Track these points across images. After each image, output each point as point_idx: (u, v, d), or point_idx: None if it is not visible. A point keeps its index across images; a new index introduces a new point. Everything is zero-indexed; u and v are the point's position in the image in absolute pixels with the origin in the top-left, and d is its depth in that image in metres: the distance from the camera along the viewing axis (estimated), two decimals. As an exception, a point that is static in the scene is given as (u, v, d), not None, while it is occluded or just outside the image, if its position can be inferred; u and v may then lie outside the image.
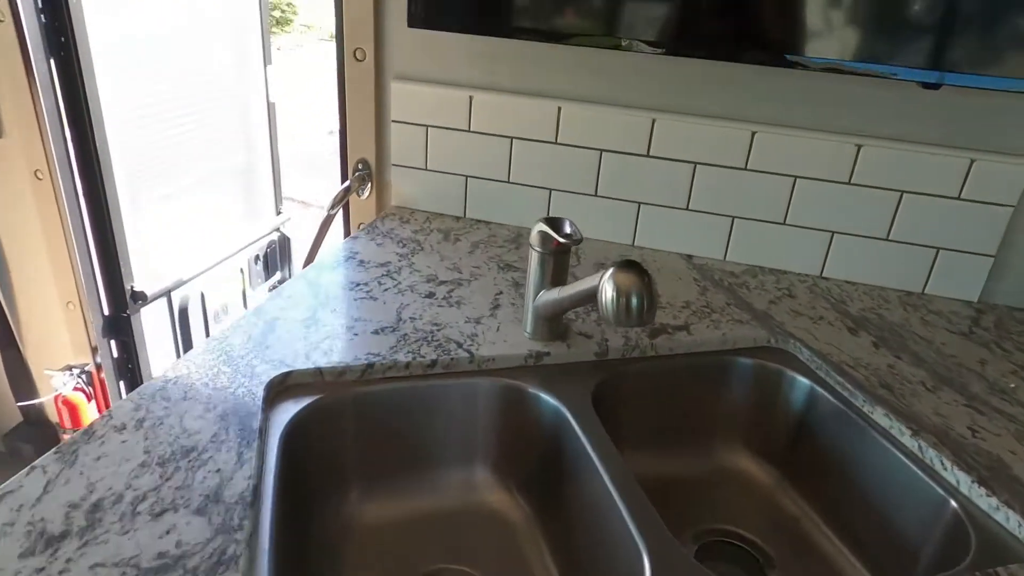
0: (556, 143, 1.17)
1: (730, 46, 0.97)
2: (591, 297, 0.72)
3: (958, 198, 1.04)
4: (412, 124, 1.22)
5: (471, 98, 1.17)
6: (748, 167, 1.10)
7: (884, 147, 1.04)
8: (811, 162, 1.07)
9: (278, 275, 2.39)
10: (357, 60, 1.20)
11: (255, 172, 2.21)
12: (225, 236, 2.08)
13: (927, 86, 0.99)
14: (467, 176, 1.24)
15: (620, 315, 0.66)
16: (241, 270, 2.17)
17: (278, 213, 2.36)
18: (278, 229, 2.35)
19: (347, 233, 1.38)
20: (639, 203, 1.18)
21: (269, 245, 2.30)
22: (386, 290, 0.96)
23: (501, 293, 0.98)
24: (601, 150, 1.16)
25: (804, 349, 0.90)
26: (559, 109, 1.15)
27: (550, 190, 1.21)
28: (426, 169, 1.25)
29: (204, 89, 1.91)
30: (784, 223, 1.12)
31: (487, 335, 0.86)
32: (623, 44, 0.99)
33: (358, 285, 0.97)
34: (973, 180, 1.02)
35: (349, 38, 1.19)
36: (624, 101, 1.13)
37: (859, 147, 1.05)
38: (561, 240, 0.77)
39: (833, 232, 1.11)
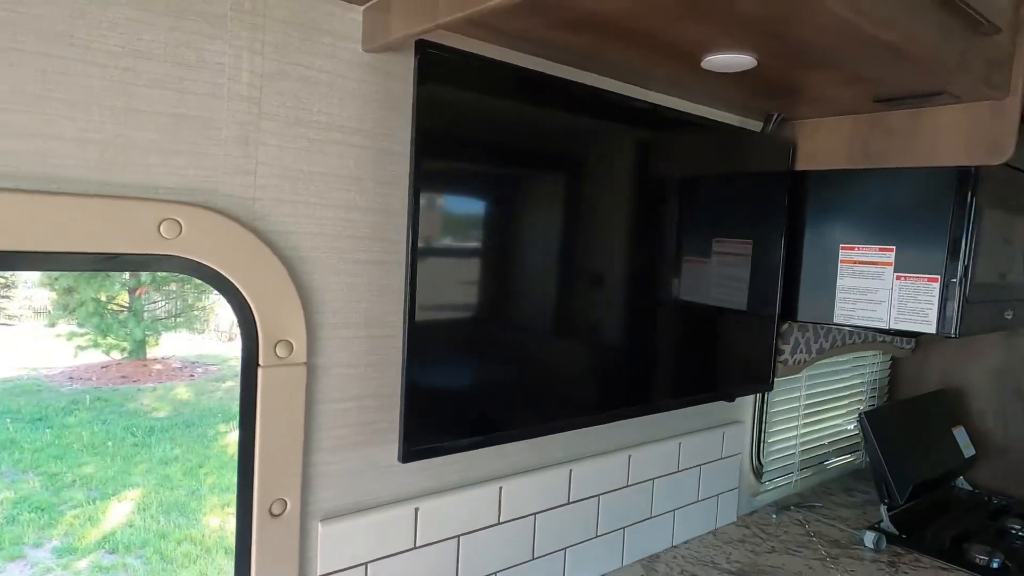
0: (499, 523, 1.10)
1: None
2: None
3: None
4: (346, 570, 0.93)
5: (416, 510, 0.99)
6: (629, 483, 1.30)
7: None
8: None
9: None
10: (273, 516, 0.86)
11: None
12: None
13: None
14: (414, 604, 1.01)
15: None
16: None
17: None
18: None
19: None
20: (565, 548, 1.21)
21: None
22: None
23: None
24: (535, 514, 1.15)
25: None
26: (500, 489, 1.09)
27: (495, 574, 1.11)
28: (366, 620, 0.95)
29: None
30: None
31: None
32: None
33: None
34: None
35: (263, 490, 0.84)
36: (549, 462, 1.17)
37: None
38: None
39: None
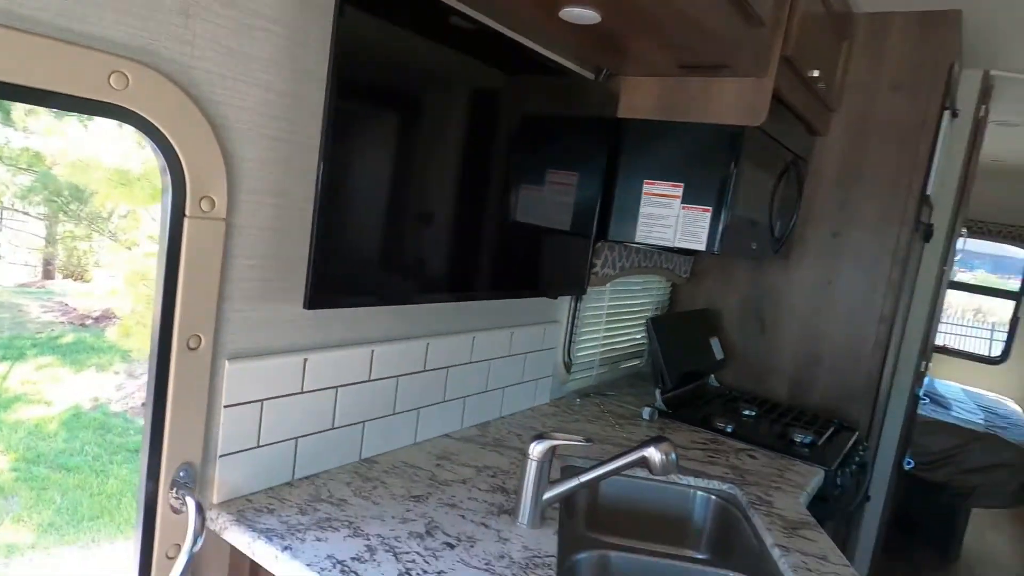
0: (370, 380, 1.31)
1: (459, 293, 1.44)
2: (630, 466, 1.14)
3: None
4: (246, 403, 1.09)
5: (305, 360, 1.17)
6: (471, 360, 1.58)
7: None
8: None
9: None
10: (190, 349, 0.99)
11: None
12: None
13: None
14: (297, 438, 1.19)
15: (669, 467, 1.14)
16: None
17: None
18: None
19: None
20: (419, 408, 1.45)
21: None
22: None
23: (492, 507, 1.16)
24: (398, 376, 1.38)
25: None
26: (372, 351, 1.30)
27: (363, 423, 1.32)
28: (258, 446, 1.12)
29: None
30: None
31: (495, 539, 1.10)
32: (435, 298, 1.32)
33: None
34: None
35: (183, 326, 0.97)
36: (412, 334, 1.40)
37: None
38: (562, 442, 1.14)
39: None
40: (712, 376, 2.40)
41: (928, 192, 2.25)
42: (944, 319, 8.36)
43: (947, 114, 2.21)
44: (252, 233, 1.05)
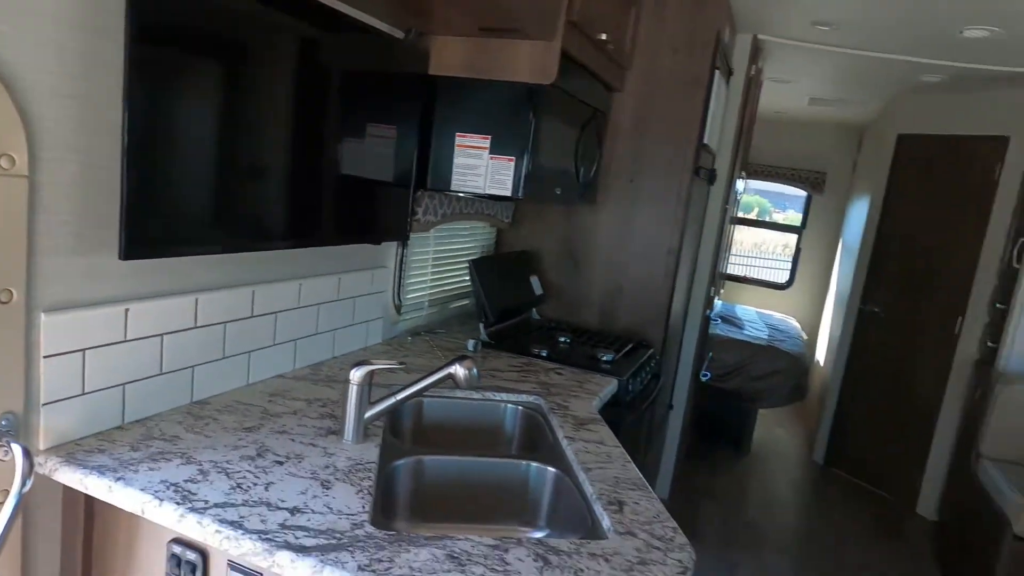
0: (196, 327, 1.39)
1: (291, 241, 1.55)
2: (439, 382, 1.34)
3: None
4: (66, 353, 1.14)
5: (127, 310, 1.23)
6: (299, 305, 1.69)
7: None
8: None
9: None
10: (1, 303, 1.02)
11: None
12: None
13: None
14: (124, 384, 1.25)
15: (472, 381, 1.34)
16: None
17: None
18: None
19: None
20: (249, 352, 1.55)
21: None
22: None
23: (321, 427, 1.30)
24: (225, 322, 1.46)
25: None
26: (196, 300, 1.38)
27: (193, 367, 1.40)
28: (84, 394, 1.18)
29: None
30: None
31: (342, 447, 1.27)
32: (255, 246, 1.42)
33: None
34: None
35: (-9, 281, 1.00)
36: (238, 282, 1.48)
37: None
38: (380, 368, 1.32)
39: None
40: (534, 310, 2.68)
41: (706, 141, 2.63)
42: (753, 253, 9.50)
43: (718, 73, 2.57)
44: (60, 189, 1.08)
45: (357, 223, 1.72)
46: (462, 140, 1.90)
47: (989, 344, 3.28)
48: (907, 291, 3.84)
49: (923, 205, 3.80)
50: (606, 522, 1.14)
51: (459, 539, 1.02)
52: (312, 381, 1.65)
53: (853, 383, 4.10)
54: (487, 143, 1.87)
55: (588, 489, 1.26)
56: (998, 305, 3.26)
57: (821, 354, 5.00)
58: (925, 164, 3.81)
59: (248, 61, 1.29)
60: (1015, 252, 3.18)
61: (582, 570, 0.98)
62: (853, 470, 4.06)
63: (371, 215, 1.76)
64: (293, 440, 1.30)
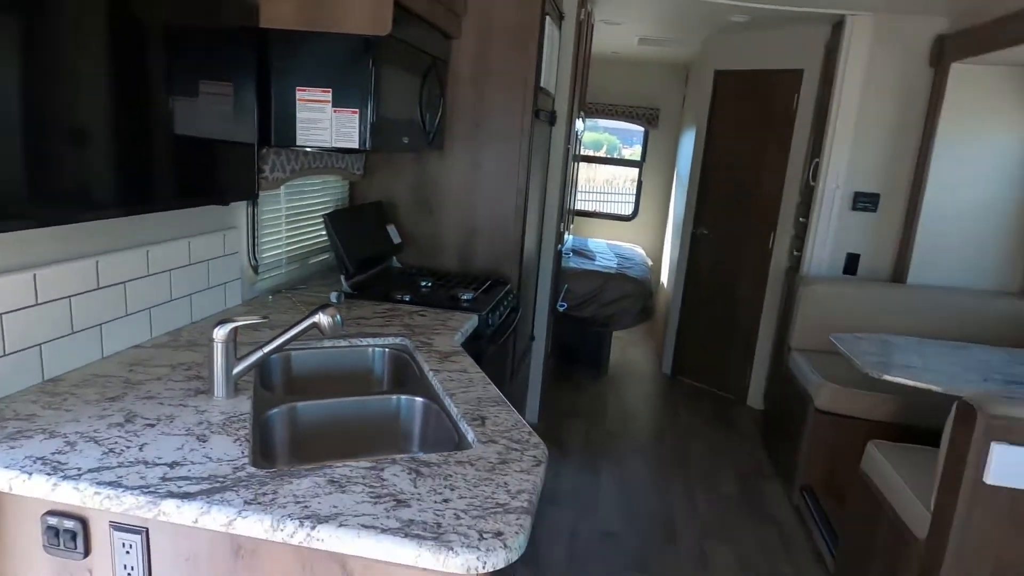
0: (37, 304, 1.34)
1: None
2: (304, 332, 1.40)
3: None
4: None
5: (-44, 292, 1.18)
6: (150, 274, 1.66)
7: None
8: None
9: None
10: None
11: None
12: None
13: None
14: (-35, 369, 1.21)
15: (335, 328, 1.42)
16: None
17: None
18: None
19: None
20: (100, 324, 1.51)
21: None
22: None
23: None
24: (70, 296, 1.42)
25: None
26: (35, 276, 1.33)
27: (39, 345, 1.36)
28: (-80, 383, 1.13)
29: None
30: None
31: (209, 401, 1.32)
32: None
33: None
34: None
35: None
36: (79, 254, 1.43)
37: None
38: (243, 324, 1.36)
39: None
40: (394, 259, 2.75)
41: (543, 85, 2.77)
42: (605, 189, 10.01)
43: (549, 19, 2.70)
44: None
45: (199, 184, 1.69)
46: (303, 95, 1.90)
47: (795, 253, 3.80)
48: (729, 213, 4.31)
49: (738, 134, 4.24)
50: (471, 436, 1.29)
51: (338, 466, 1.12)
52: (173, 348, 1.64)
53: (691, 300, 4.58)
54: (329, 96, 1.89)
55: (454, 411, 1.40)
56: (801, 219, 3.77)
57: (665, 277, 5.50)
58: (738, 97, 4.23)
59: (50, 13, 1.23)
60: (811, 172, 3.68)
61: (451, 475, 1.12)
62: (696, 376, 4.58)
63: (214, 175, 1.74)
64: (162, 404, 1.32)
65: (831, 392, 2.84)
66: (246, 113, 1.80)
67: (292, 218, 2.38)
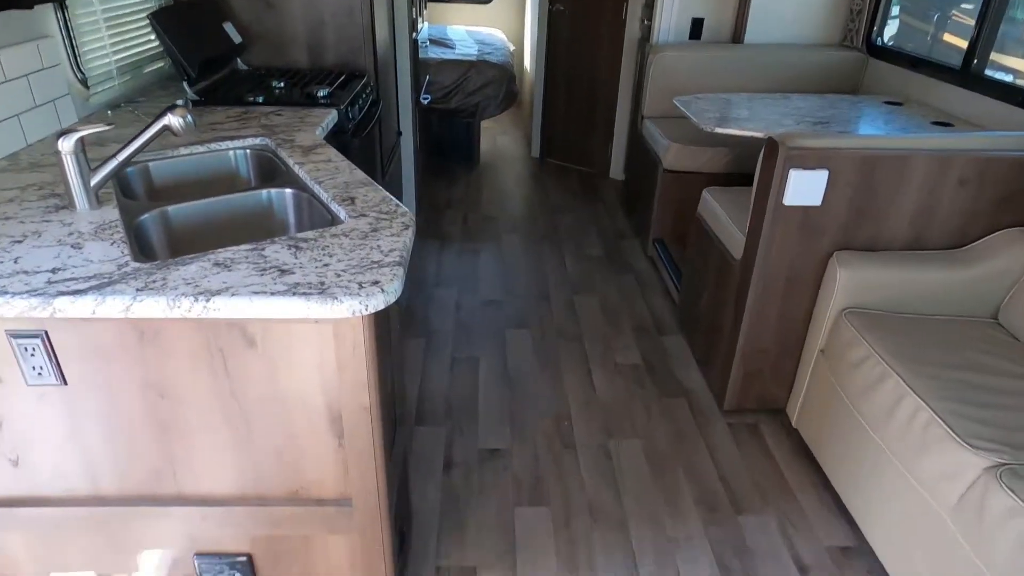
0: None
1: None
2: (156, 136, 1.40)
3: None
4: None
5: None
6: None
7: (12, 50, 1.66)
8: None
9: None
10: None
11: None
12: None
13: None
14: None
15: (188, 128, 1.42)
16: None
17: None
18: None
19: None
20: None
21: None
22: (12, 251, 1.18)
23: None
24: None
25: (133, 152, 1.68)
26: None
27: None
28: None
29: None
30: (4, 120, 1.64)
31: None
32: None
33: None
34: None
35: None
36: None
37: None
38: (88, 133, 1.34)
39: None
40: (239, 60, 2.60)
41: None
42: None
43: None
44: None
45: (-8, -15, 1.51)
46: None
47: (645, 23, 3.88)
48: (584, -15, 4.25)
49: None
50: (343, 214, 1.40)
51: (221, 252, 1.21)
52: (15, 171, 1.58)
53: (552, 81, 4.64)
54: None
55: (324, 195, 1.50)
56: (650, -14, 3.80)
57: (528, 61, 5.46)
58: None
59: None
60: (658, -67, 3.64)
61: (328, 246, 1.25)
62: (563, 156, 4.81)
63: (6, -27, 1.54)
64: (23, 223, 1.32)
65: (676, 151, 3.14)
66: None
67: (112, 21, 2.16)
